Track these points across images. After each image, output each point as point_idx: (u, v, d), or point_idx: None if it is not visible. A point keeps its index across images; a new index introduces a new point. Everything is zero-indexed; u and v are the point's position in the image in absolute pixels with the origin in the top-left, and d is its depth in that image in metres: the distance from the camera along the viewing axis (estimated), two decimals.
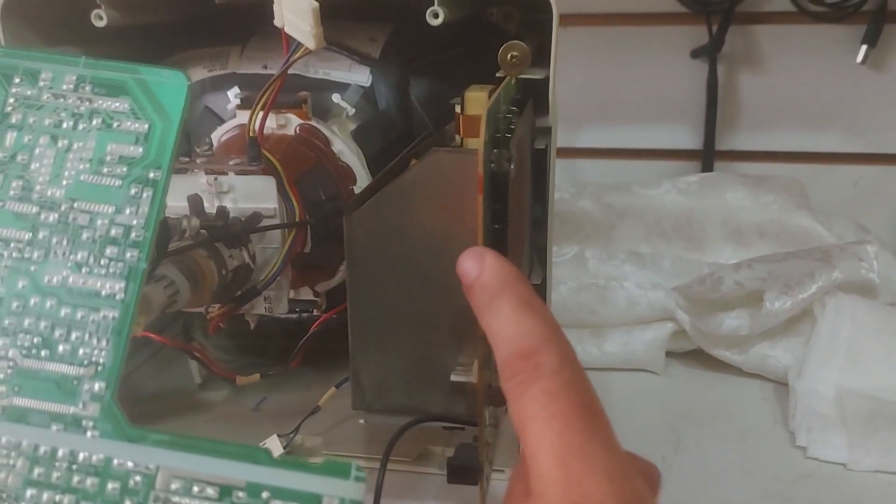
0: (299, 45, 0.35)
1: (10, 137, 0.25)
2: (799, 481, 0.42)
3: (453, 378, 0.32)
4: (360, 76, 0.44)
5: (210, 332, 0.36)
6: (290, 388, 0.49)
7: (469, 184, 0.30)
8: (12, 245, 0.24)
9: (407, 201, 0.31)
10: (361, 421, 0.40)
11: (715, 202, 0.65)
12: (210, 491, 0.22)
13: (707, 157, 0.68)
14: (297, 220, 0.36)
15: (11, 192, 0.24)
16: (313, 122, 0.41)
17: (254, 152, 0.35)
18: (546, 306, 0.24)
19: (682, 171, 0.68)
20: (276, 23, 0.35)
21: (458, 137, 0.38)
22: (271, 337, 0.49)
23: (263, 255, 0.37)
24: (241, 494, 0.22)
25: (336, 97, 0.43)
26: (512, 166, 0.29)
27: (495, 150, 0.29)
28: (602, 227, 0.65)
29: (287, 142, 0.40)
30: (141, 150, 0.24)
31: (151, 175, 0.24)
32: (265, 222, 0.36)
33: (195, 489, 0.22)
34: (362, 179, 0.42)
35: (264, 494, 0.22)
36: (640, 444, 0.45)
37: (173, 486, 0.22)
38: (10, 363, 0.23)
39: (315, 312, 0.44)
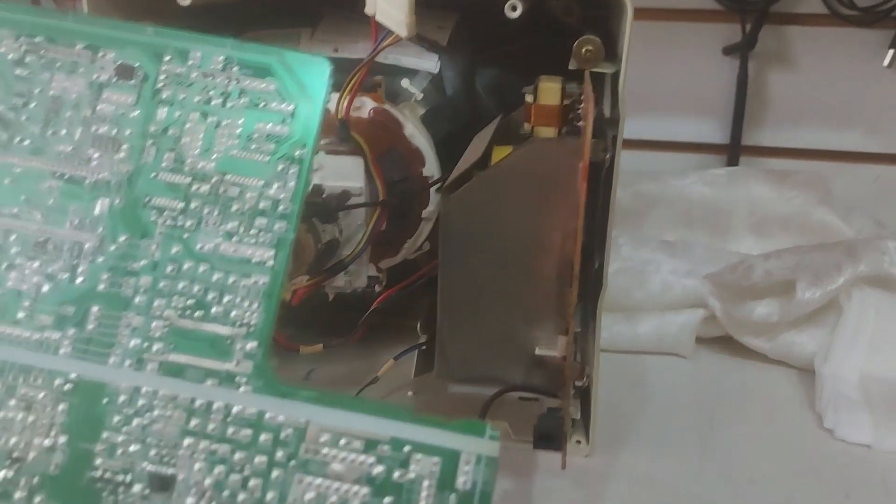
0: (388, 32, 0.37)
1: (162, 112, 0.26)
2: (827, 460, 0.45)
3: (538, 352, 0.34)
4: (429, 63, 0.46)
5: (294, 302, 0.38)
6: (336, 359, 0.51)
7: (567, 171, 0.32)
8: (166, 213, 0.26)
9: (504, 185, 0.33)
10: (410, 393, 0.42)
11: (740, 195, 0.67)
12: (356, 444, 0.24)
13: (733, 151, 0.70)
14: (380, 199, 0.38)
15: (164, 164, 0.26)
16: (387, 106, 0.43)
17: (343, 133, 0.37)
18: None
19: (707, 164, 0.71)
20: (368, 11, 0.37)
21: (526, 126, 0.40)
22: (321, 309, 0.51)
23: (346, 231, 0.39)
24: (385, 448, 0.24)
25: (405, 82, 0.45)
26: (607, 156, 0.31)
27: (593, 140, 0.31)
28: (632, 215, 0.67)
29: (365, 124, 0.42)
30: (287, 129, 0.26)
31: (297, 153, 0.26)
32: (351, 201, 0.38)
33: (342, 441, 0.24)
34: (431, 162, 0.44)
35: (406, 448, 0.24)
36: (677, 421, 0.47)
37: (322, 439, 0.24)
38: (166, 322, 0.25)
39: (377, 289, 0.46)
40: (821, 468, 0.45)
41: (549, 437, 0.32)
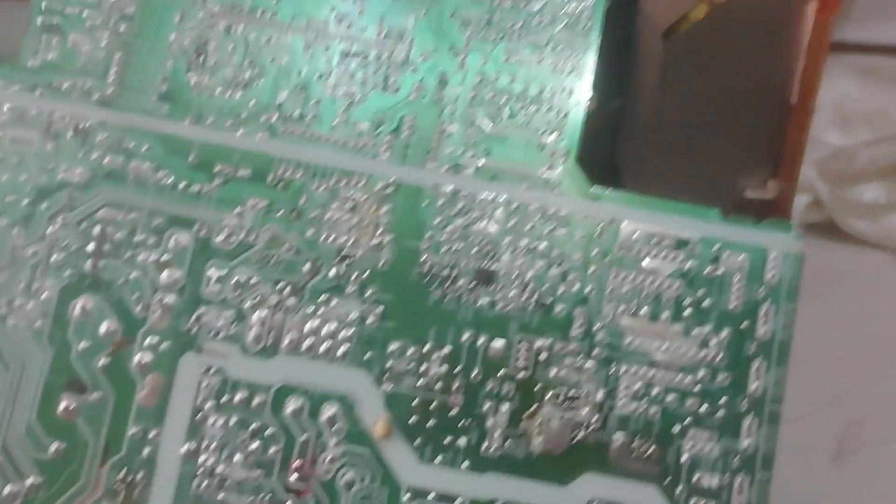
0: None
1: None
2: None
3: (748, 194, 0.36)
4: None
5: None
6: None
7: (792, 9, 0.33)
8: (471, 26, 0.27)
9: (726, 26, 0.34)
10: None
11: (825, 90, 0.69)
12: (667, 242, 0.26)
13: None
14: None
15: None
16: None
17: None
18: None
19: None
20: None
21: None
22: None
23: None
24: (695, 246, 0.26)
25: None
26: None
27: None
28: None
29: None
30: None
31: None
32: None
33: (654, 240, 0.26)
34: None
35: (716, 246, 0.26)
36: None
37: (634, 237, 0.26)
38: (479, 130, 0.26)
39: None
40: None
41: None
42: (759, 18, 0.34)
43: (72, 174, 0.26)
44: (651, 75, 0.36)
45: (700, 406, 0.25)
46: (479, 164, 0.26)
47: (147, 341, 0.25)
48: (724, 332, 0.25)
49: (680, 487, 0.25)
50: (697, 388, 0.25)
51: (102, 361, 0.25)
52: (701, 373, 0.25)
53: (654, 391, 0.25)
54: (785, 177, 0.35)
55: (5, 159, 0.26)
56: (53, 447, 0.24)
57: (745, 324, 0.25)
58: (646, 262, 0.26)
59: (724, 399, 0.25)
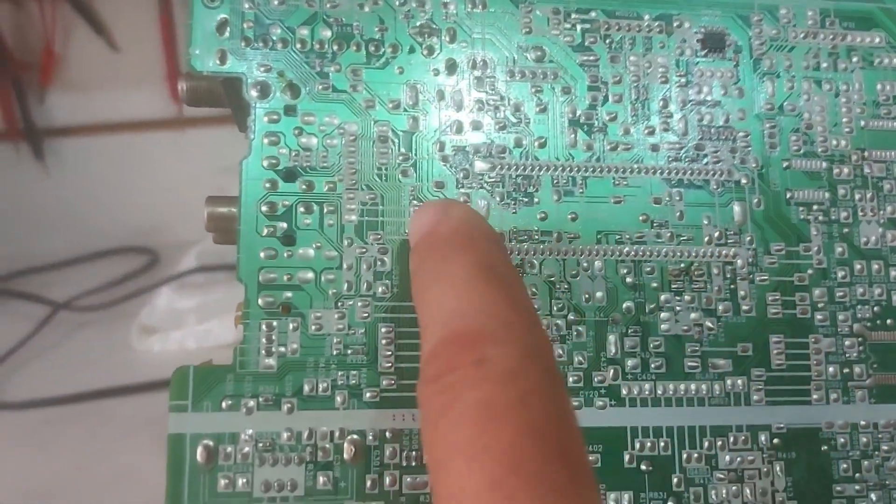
0: None
1: (770, 86, 0.21)
2: None
3: None
4: None
5: None
6: None
7: None
8: (815, 208, 0.21)
9: None
10: None
11: None
12: None
13: None
14: None
15: (794, 149, 0.21)
16: None
17: None
18: (522, 284, 0.16)
19: None
20: None
21: None
22: None
23: None
24: None
25: None
26: None
27: None
28: None
29: None
30: None
31: None
32: None
33: None
34: None
35: None
36: None
37: None
38: (859, 338, 0.21)
39: None
40: None
41: None
42: None
43: None
44: None
45: None
46: (871, 384, 0.21)
47: None
48: None
49: None
50: None
51: None
52: None
53: None
54: None
55: None
56: None
57: None
58: None
59: None
